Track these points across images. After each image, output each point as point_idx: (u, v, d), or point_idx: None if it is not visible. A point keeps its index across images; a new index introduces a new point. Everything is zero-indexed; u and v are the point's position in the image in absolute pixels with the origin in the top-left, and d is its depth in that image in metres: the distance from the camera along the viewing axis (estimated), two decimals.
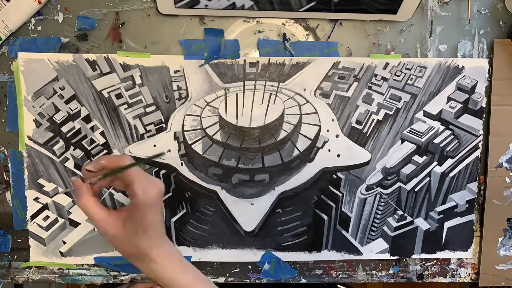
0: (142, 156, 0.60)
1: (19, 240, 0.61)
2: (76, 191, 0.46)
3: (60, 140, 0.59)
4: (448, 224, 0.64)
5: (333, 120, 0.61)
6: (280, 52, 0.59)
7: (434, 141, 0.62)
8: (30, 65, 0.57)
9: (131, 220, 0.45)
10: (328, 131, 0.61)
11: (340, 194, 0.62)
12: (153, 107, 0.59)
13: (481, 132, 0.62)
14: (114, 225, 0.45)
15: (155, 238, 0.46)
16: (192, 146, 0.60)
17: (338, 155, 0.61)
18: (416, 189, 0.63)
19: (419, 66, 0.60)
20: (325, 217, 0.63)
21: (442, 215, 0.63)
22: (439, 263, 0.65)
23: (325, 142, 0.61)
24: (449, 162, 0.62)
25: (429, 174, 0.63)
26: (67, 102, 0.59)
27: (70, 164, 0.60)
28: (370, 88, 0.61)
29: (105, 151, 0.60)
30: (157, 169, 0.60)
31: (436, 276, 0.66)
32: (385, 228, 0.63)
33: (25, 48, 0.57)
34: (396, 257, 0.64)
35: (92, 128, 0.59)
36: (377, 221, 0.63)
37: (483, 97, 0.61)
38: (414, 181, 0.63)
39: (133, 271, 0.63)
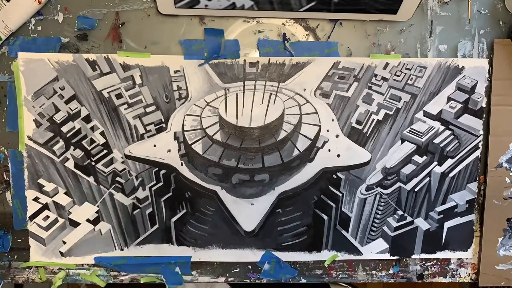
0: (142, 157, 0.60)
1: (19, 240, 0.61)
2: None
3: (60, 140, 0.59)
4: (448, 224, 0.64)
5: (333, 120, 0.61)
6: (280, 52, 0.59)
7: (434, 141, 0.62)
8: (30, 65, 0.57)
9: None
10: (328, 131, 0.61)
11: (340, 194, 0.62)
12: (153, 107, 0.59)
13: (481, 132, 0.62)
14: None
15: None
16: (192, 146, 0.60)
17: (338, 155, 0.61)
18: (416, 189, 0.63)
19: (419, 66, 0.60)
20: (325, 217, 0.63)
21: (442, 215, 0.63)
22: (439, 263, 0.65)
23: (325, 142, 0.61)
24: (449, 162, 0.62)
25: (429, 174, 0.63)
26: (67, 102, 0.59)
27: (70, 164, 0.60)
28: (370, 88, 0.61)
29: (105, 151, 0.60)
30: (157, 169, 0.60)
31: (436, 276, 0.66)
32: (385, 228, 0.63)
33: (25, 48, 0.57)
34: (396, 257, 0.64)
35: (92, 128, 0.59)
36: (377, 221, 0.63)
37: (483, 97, 0.61)
38: (414, 181, 0.63)
39: (133, 271, 0.63)
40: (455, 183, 0.63)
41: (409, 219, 0.63)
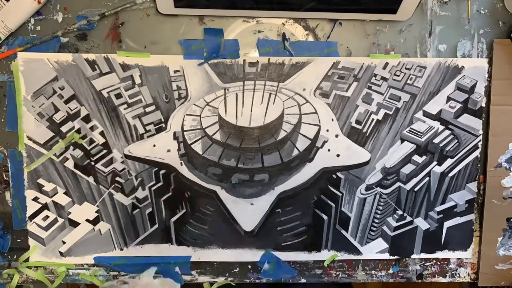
0: (142, 157, 0.60)
1: (19, 240, 0.61)
2: None
3: (60, 140, 0.59)
4: (447, 224, 0.64)
5: (332, 120, 0.61)
6: (279, 52, 0.59)
7: (433, 141, 0.62)
8: (30, 65, 0.57)
9: None
10: (327, 131, 0.61)
11: (340, 194, 0.62)
12: (153, 107, 0.59)
13: (481, 132, 0.62)
14: None
15: None
16: (192, 146, 0.60)
17: (338, 155, 0.61)
18: (415, 189, 0.63)
19: (418, 66, 0.60)
20: (325, 217, 0.63)
21: (441, 215, 0.63)
22: (438, 263, 0.65)
23: (324, 142, 0.61)
24: (449, 162, 0.62)
25: (428, 174, 0.63)
26: (66, 102, 0.58)
27: (69, 164, 0.60)
28: (369, 88, 0.61)
29: (104, 151, 0.60)
30: (156, 169, 0.60)
31: (436, 276, 0.66)
32: (384, 228, 0.63)
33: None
34: (395, 257, 0.64)
35: (92, 128, 0.59)
36: (376, 221, 0.63)
37: (482, 97, 0.61)
38: (414, 181, 0.63)
39: (133, 271, 0.63)
40: (455, 183, 0.63)
41: (408, 219, 0.63)
